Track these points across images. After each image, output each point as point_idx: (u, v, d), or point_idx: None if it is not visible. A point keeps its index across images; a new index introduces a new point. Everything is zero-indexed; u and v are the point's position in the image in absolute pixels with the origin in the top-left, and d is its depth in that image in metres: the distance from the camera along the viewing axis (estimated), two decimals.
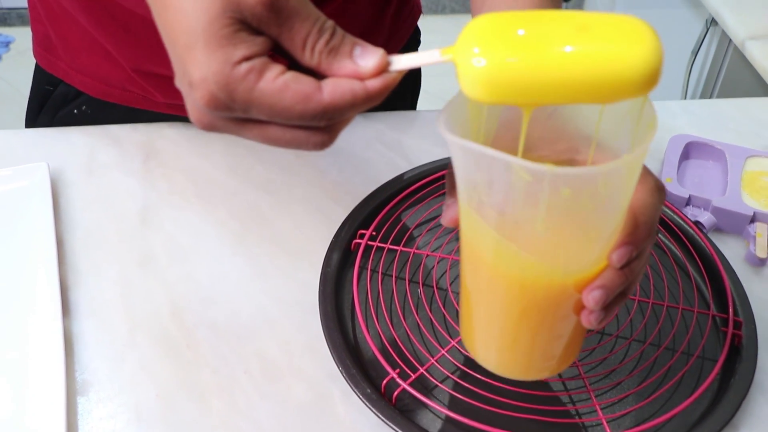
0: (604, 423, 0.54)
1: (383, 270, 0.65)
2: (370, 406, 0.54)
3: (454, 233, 0.69)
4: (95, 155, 0.76)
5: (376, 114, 0.84)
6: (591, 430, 0.55)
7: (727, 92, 1.40)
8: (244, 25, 0.37)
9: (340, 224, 0.67)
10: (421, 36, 0.95)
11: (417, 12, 0.91)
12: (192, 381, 0.57)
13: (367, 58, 0.38)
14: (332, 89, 0.37)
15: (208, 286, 0.64)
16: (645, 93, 0.35)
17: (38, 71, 0.83)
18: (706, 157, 0.80)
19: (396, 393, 0.55)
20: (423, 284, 0.64)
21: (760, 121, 0.88)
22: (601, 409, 0.55)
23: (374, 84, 0.38)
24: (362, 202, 0.69)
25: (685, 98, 1.54)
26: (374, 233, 0.67)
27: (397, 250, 0.66)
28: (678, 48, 1.52)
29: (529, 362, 0.48)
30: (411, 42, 0.92)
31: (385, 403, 0.54)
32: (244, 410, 0.56)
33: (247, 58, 0.37)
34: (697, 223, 0.71)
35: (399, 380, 0.55)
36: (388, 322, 0.61)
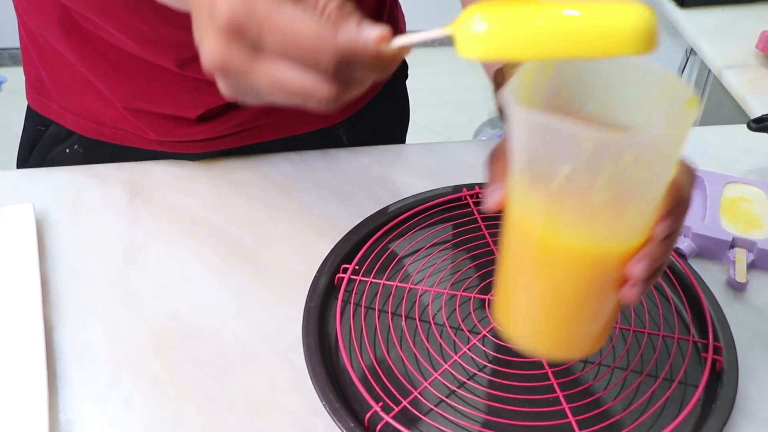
0: None
1: (366, 303, 0.65)
2: None
3: (437, 265, 0.69)
4: (81, 195, 0.77)
5: (362, 148, 0.85)
6: None
7: (709, 119, 1.42)
8: None
9: (323, 259, 0.68)
10: (409, 69, 0.97)
11: (403, 25, 0.93)
12: (177, 418, 0.57)
13: (371, 28, 0.39)
14: (345, 34, 0.38)
15: (193, 322, 0.65)
16: (643, 50, 0.37)
17: (30, 113, 0.84)
18: None
19: (379, 426, 0.55)
20: (406, 317, 0.65)
21: (739, 147, 0.89)
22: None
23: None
24: (345, 236, 0.70)
25: None
26: (357, 267, 0.67)
27: (380, 284, 0.66)
28: None
29: (569, 340, 0.49)
30: (400, 67, 0.93)
31: None
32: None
33: None
34: (677, 250, 0.71)
35: (382, 413, 0.55)
36: (372, 356, 0.61)
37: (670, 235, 0.44)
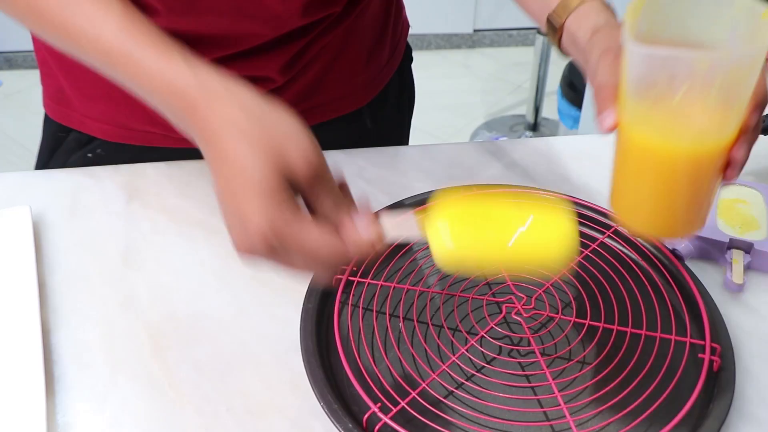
0: None
1: (364, 305, 0.65)
2: None
3: (434, 266, 0.69)
4: (78, 197, 0.77)
5: (357, 150, 0.85)
6: None
7: None
8: (290, 183, 0.48)
9: None
10: (413, 73, 1.00)
11: (406, 28, 0.96)
12: (174, 419, 0.57)
13: (368, 229, 0.51)
14: (353, 245, 0.50)
15: (190, 324, 0.65)
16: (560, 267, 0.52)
17: (48, 122, 0.84)
18: None
19: (378, 427, 0.55)
20: (404, 318, 0.65)
21: None
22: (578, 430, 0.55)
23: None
24: None
25: None
26: (355, 268, 0.67)
27: (377, 285, 0.66)
28: None
29: (685, 221, 0.57)
30: (406, 54, 0.96)
31: None
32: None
33: (293, 212, 0.48)
34: (674, 252, 0.72)
35: (380, 414, 0.55)
36: (370, 357, 0.61)
37: (757, 124, 0.53)
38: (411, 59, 0.99)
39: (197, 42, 0.71)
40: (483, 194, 0.54)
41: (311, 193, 0.50)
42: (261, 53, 0.75)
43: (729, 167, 0.53)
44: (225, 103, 0.50)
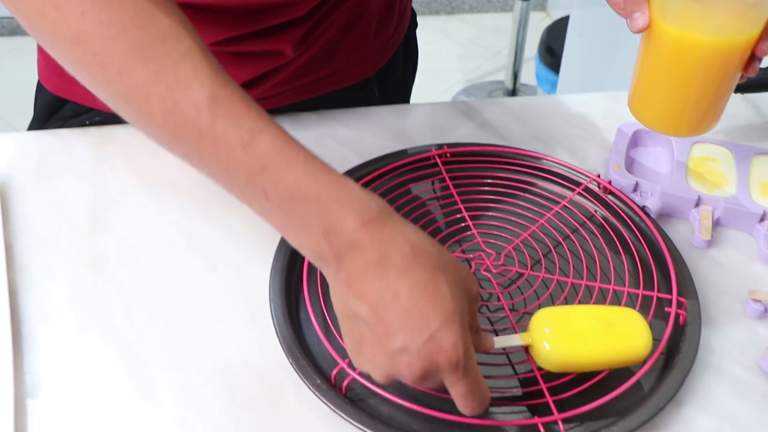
0: (551, 403, 0.55)
1: None
2: (320, 396, 0.54)
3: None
4: (45, 159, 0.76)
5: (329, 111, 0.84)
6: (538, 409, 0.56)
7: None
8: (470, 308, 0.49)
9: None
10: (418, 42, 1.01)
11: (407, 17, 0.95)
12: (143, 378, 0.57)
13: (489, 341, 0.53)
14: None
15: (160, 284, 0.64)
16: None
17: (42, 90, 0.83)
18: (653, 145, 0.81)
19: (346, 382, 0.55)
20: None
21: None
22: (548, 389, 0.56)
23: None
24: None
25: None
26: None
27: None
28: (636, 39, 1.53)
29: (703, 118, 0.63)
30: (411, 20, 0.96)
31: (335, 393, 0.55)
32: (196, 405, 0.56)
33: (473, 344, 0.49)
34: (643, 208, 0.72)
35: (348, 370, 0.56)
36: None
37: None
38: (416, 24, 0.99)
39: (204, 24, 0.69)
40: (573, 306, 0.59)
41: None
42: (277, 31, 0.74)
43: (751, 61, 0.59)
44: (394, 221, 0.48)
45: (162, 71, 0.48)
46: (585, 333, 0.55)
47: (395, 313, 0.46)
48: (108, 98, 0.51)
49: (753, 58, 0.59)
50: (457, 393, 0.49)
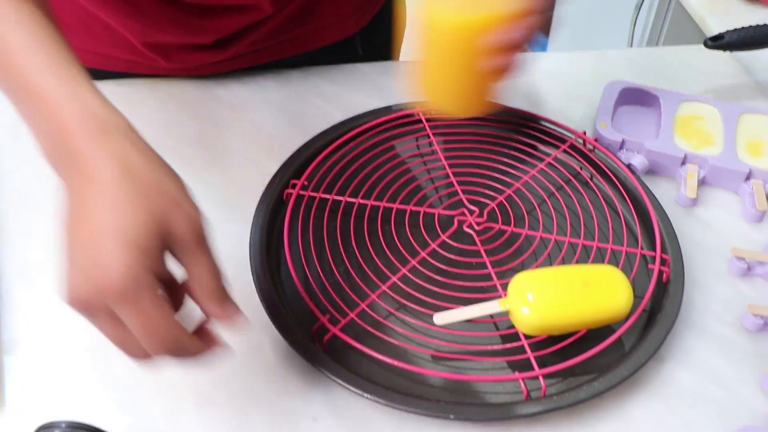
0: (532, 359, 0.54)
1: (315, 219, 0.65)
2: (300, 352, 0.54)
3: (387, 180, 0.68)
4: None
5: (314, 68, 0.83)
6: (520, 365, 0.55)
7: (672, 42, 1.41)
8: (163, 243, 0.43)
9: (272, 175, 0.67)
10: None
11: None
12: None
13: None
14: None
15: None
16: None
17: None
18: (640, 103, 0.81)
19: (326, 338, 0.55)
20: (354, 232, 0.64)
21: (695, 67, 0.88)
22: (530, 345, 0.56)
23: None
24: (295, 153, 0.69)
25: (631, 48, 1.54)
26: (306, 183, 0.66)
27: (329, 199, 0.66)
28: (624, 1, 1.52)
29: (476, 97, 0.62)
30: None
31: (316, 348, 0.54)
32: (175, 361, 0.55)
33: (157, 275, 0.43)
34: (629, 166, 0.71)
35: (329, 325, 0.55)
36: (319, 271, 0.60)
37: (527, 16, 0.54)
38: None
39: None
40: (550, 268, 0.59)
41: (182, 258, 0.46)
42: None
43: (483, 53, 0.54)
44: (118, 139, 0.46)
45: None
46: (563, 295, 0.55)
47: (77, 229, 0.43)
48: None
49: (485, 47, 0.54)
50: (131, 326, 0.43)
